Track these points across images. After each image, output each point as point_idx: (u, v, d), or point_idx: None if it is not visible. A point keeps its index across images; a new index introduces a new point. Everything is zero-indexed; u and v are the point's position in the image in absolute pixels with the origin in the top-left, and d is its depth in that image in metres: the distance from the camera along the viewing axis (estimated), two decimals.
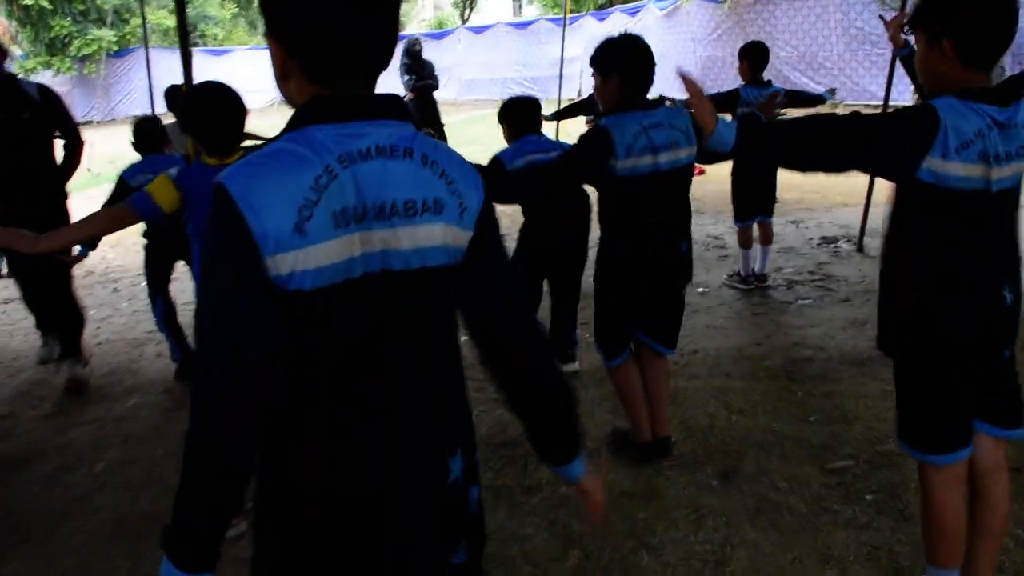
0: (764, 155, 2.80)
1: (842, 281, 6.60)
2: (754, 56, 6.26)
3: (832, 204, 9.46)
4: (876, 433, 4.12)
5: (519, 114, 4.92)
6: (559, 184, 3.87)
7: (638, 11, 21.81)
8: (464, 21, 32.91)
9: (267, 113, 27.55)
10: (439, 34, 27.91)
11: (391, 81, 26.48)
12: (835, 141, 2.49)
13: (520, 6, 41.70)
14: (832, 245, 7.79)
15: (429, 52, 27.66)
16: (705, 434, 4.26)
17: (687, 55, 19.97)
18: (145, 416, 5.00)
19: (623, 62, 3.62)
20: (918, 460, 2.66)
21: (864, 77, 17.34)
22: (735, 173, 6.48)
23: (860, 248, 7.50)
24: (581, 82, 24.22)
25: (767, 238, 6.61)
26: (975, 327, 2.45)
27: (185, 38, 4.68)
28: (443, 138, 12.24)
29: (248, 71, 27.88)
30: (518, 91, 24.56)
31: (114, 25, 26.83)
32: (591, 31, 23.44)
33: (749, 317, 5.99)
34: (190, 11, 30.14)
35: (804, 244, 7.88)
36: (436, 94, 12.97)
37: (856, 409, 4.42)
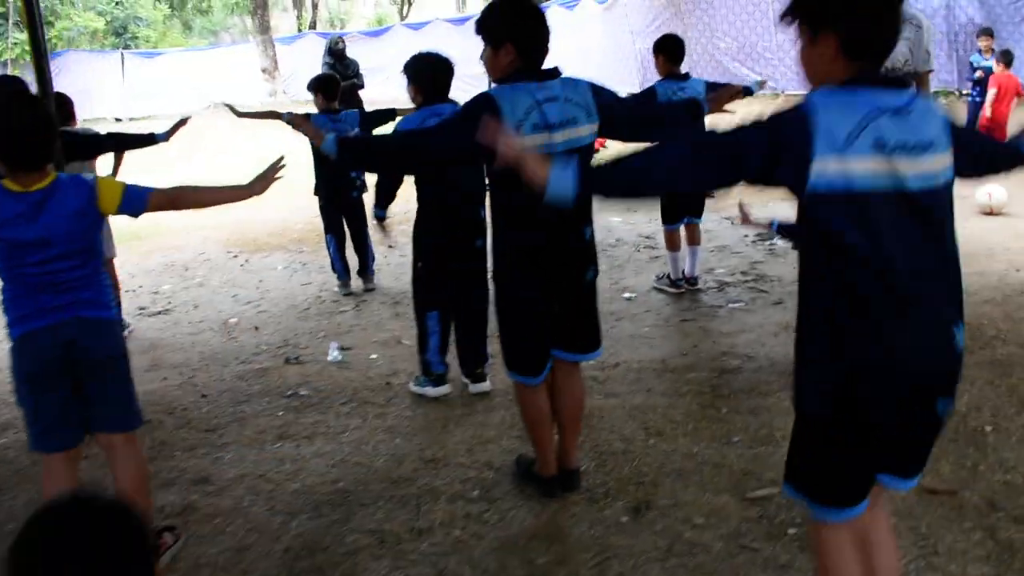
0: (620, 194, 2.50)
1: (775, 281, 6.29)
2: (669, 49, 5.91)
3: (771, 198, 9.12)
4: None
5: (429, 75, 4.47)
6: (431, 159, 3.42)
7: (575, 5, 21.45)
8: (403, 18, 32.39)
9: (205, 115, 26.93)
10: (377, 32, 27.40)
11: (293, 86, 25.95)
12: (696, 164, 2.15)
13: (464, 1, 41.26)
14: (768, 243, 7.48)
15: (367, 50, 27.30)
16: (619, 461, 3.88)
17: (626, 48, 19.69)
18: (13, 457, 4.52)
19: (518, 28, 3.22)
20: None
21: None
22: None
23: (796, 246, 7.19)
24: None
25: (695, 239, 6.28)
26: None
27: (41, 50, 4.29)
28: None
29: (182, 73, 27.17)
30: (462, 88, 24.06)
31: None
32: None
33: (677, 324, 5.64)
34: (120, 12, 29.37)
35: (739, 242, 7.57)
36: (368, 93, 12.50)
37: (784, 427, 4.02)
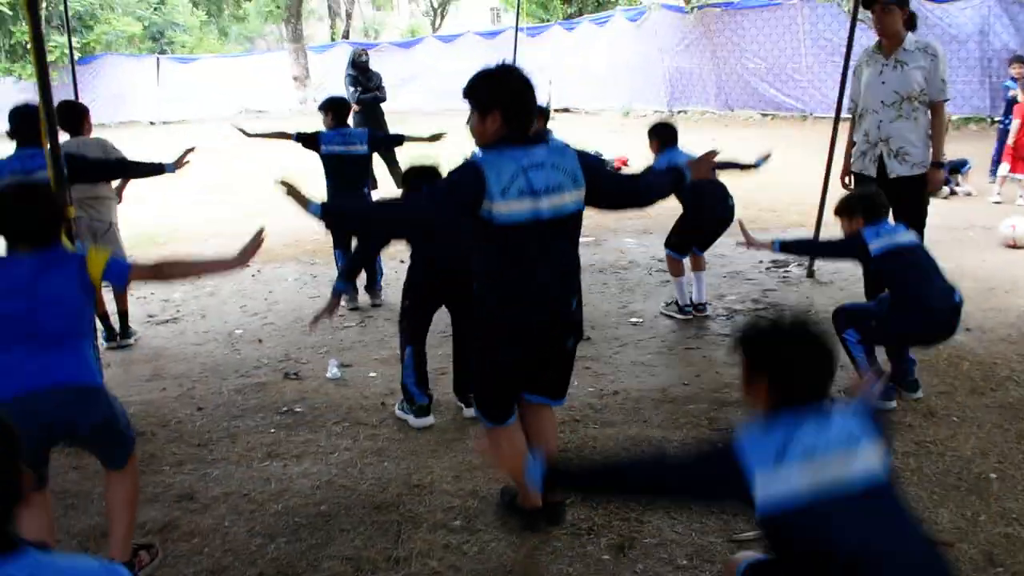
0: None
1: (787, 310, 6.14)
2: (662, 134, 5.88)
3: (788, 223, 9.02)
4: None
5: None
6: (416, 228, 3.42)
7: (606, 21, 21.44)
8: (435, 30, 32.51)
9: (235, 121, 27.12)
10: (408, 43, 27.50)
11: (323, 95, 26.24)
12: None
13: (498, 14, 41.37)
14: (783, 270, 7.35)
15: (398, 61, 27.44)
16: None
17: (655, 65, 19.63)
18: None
19: (506, 96, 3.13)
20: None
21: (833, 89, 16.94)
22: (688, 207, 6.00)
23: (811, 273, 7.07)
24: (550, 92, 23.90)
25: (699, 265, 6.18)
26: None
27: (42, 56, 4.24)
28: (391, 152, 11.73)
29: (215, 79, 27.42)
30: None
31: (77, 31, 26.24)
32: (559, 41, 23.13)
33: (681, 352, 5.53)
34: (157, 18, 29.70)
35: (752, 268, 7.44)
36: (398, 103, 12.50)
37: None
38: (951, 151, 11.21)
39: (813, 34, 17.09)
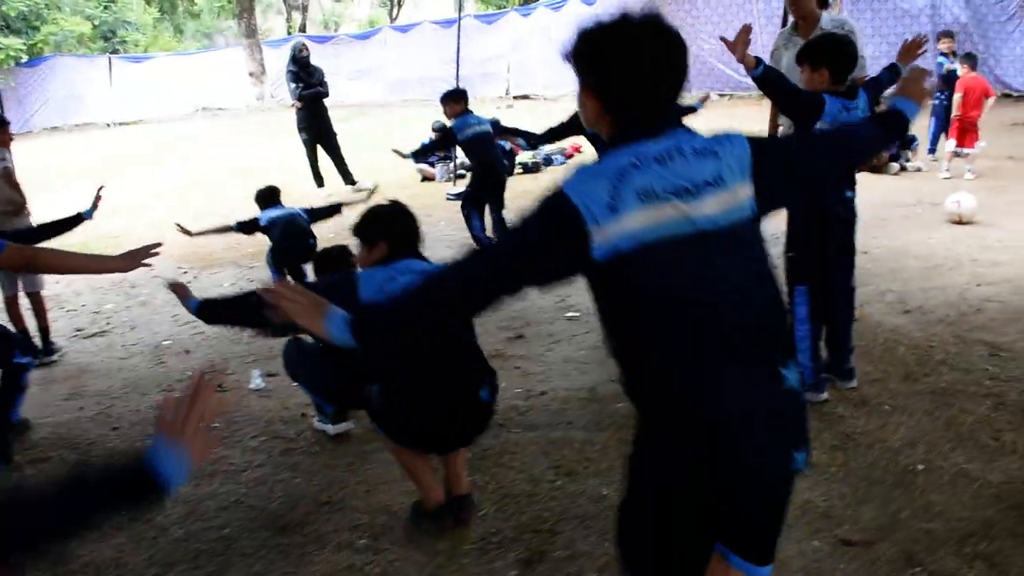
0: (395, 339, 2.23)
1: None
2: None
3: None
4: None
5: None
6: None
7: (562, 6, 21.21)
8: (392, 20, 32.15)
9: (192, 119, 26.70)
10: (365, 34, 27.15)
11: (280, 90, 25.82)
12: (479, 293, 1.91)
13: (461, 3, 41.01)
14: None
15: (356, 53, 27.06)
16: (521, 505, 3.62)
17: None
18: None
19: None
20: None
21: None
22: None
23: None
24: (508, 79, 23.63)
25: None
26: None
27: None
28: (335, 147, 11.53)
29: (170, 78, 26.96)
30: (446, 89, 23.86)
31: (23, 32, 25.73)
32: (516, 27, 22.88)
33: None
34: (108, 16, 29.17)
35: None
36: (358, 95, 12.30)
37: None
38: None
39: (768, 12, 16.91)
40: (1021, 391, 4.22)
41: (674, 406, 1.80)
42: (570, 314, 6.03)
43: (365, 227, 3.41)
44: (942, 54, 10.91)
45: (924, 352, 4.79)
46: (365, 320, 1.96)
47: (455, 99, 7.97)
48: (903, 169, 10.33)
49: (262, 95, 25.94)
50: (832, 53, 4.12)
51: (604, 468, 3.86)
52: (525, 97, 23.14)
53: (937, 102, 10.67)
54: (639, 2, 16.85)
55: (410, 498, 3.68)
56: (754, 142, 1.92)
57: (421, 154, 8.90)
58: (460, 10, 11.80)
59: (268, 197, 7.22)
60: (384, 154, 9.21)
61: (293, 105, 11.71)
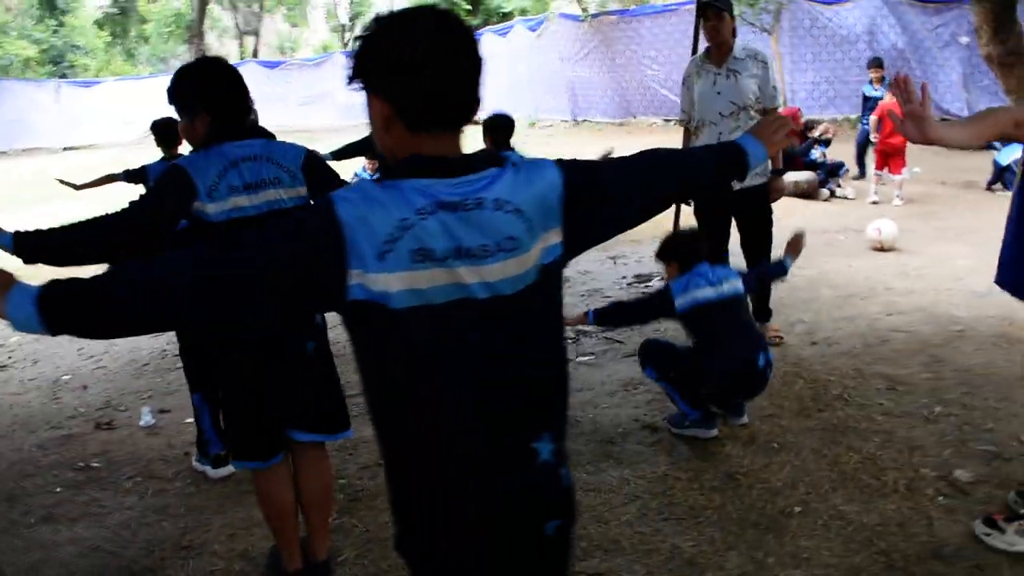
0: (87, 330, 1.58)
1: (635, 331, 5.90)
2: (498, 130, 5.53)
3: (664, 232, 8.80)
4: (582, 543, 3.38)
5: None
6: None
7: (507, 32, 21.26)
8: (345, 46, 32.09)
9: (140, 145, 26.40)
10: (316, 60, 27.08)
11: (140, 127, 25.67)
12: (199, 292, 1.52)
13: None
14: (644, 285, 7.13)
15: (308, 78, 26.95)
16: (385, 550, 3.46)
17: (558, 75, 19.48)
18: None
19: (207, 95, 2.85)
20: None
21: None
22: None
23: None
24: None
25: None
26: None
27: None
28: None
29: (119, 103, 26.71)
30: None
31: None
32: None
33: None
34: (56, 40, 28.85)
35: (613, 284, 7.21)
36: (308, 120, 12.10)
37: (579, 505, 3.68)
38: (835, 152, 11.21)
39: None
40: (911, 427, 4.15)
41: (420, 471, 1.66)
42: None
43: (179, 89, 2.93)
44: (869, 82, 11.03)
45: (822, 386, 4.71)
46: (60, 298, 1.50)
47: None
48: (833, 195, 10.36)
49: None
50: (674, 249, 4.26)
51: None
52: (475, 123, 23.10)
53: (861, 127, 10.77)
54: (582, 33, 16.98)
55: (270, 543, 3.52)
56: (567, 172, 1.73)
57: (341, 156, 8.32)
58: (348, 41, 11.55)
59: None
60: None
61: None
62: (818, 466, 3.87)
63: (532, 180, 1.66)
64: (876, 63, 11.69)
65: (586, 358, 5.50)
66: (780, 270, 4.51)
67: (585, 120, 19.32)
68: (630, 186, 1.88)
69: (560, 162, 1.77)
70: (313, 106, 26.20)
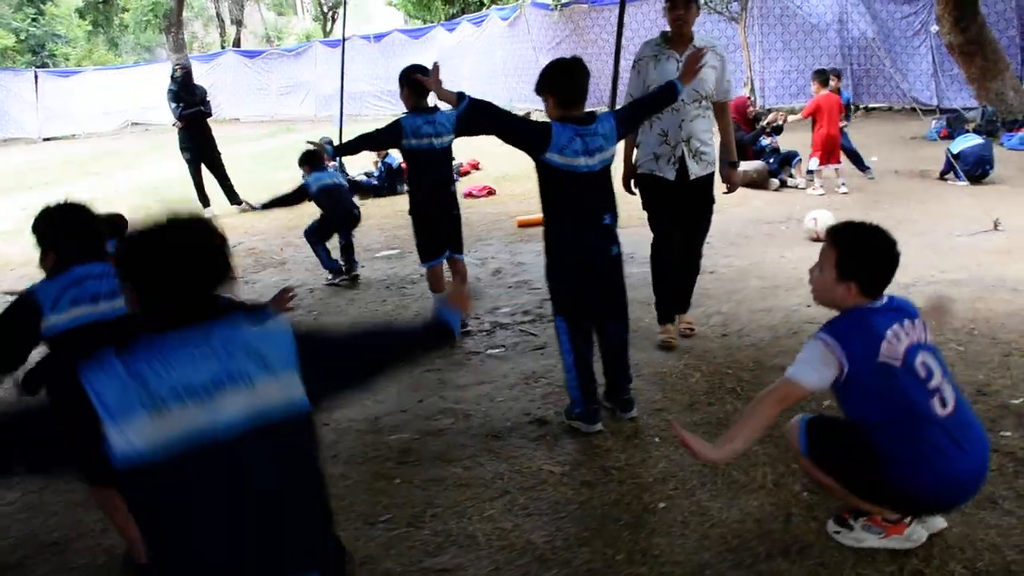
0: None
1: (547, 323, 5.87)
2: (413, 82, 5.50)
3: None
4: (438, 539, 3.36)
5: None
6: None
7: (482, 21, 21.20)
8: (326, 34, 31.98)
9: (122, 136, 26.36)
10: (296, 49, 26.98)
11: (163, 113, 25.63)
12: None
13: (405, 19, 40.85)
14: None
15: (287, 68, 26.86)
16: None
17: (531, 65, 19.35)
18: None
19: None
20: None
21: None
22: (412, 206, 5.73)
23: None
24: (433, 98, 23.48)
25: (461, 276, 5.88)
26: None
27: None
28: (219, 166, 11.36)
29: (99, 93, 26.62)
30: (376, 105, 23.84)
31: None
32: (441, 42, 22.80)
33: (419, 375, 5.20)
34: (35, 29, 28.72)
35: (541, 279, 7.14)
36: (290, 111, 12.08)
37: (444, 503, 3.67)
38: (789, 142, 11.15)
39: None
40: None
41: None
42: None
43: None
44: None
45: (718, 379, 4.69)
46: None
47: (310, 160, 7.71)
48: (784, 185, 10.32)
49: None
50: (552, 79, 4.04)
51: (347, 505, 3.71)
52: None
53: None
54: (553, 22, 16.87)
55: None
56: (299, 338, 1.95)
57: (271, 205, 8.18)
58: (344, 29, 11.55)
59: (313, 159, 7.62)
60: (290, 171, 8.87)
61: (174, 125, 11.51)
62: (692, 461, 3.83)
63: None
64: (835, 73, 11.47)
65: (496, 351, 5.47)
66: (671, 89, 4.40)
67: None
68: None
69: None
70: (293, 95, 26.12)
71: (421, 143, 5.55)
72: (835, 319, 2.93)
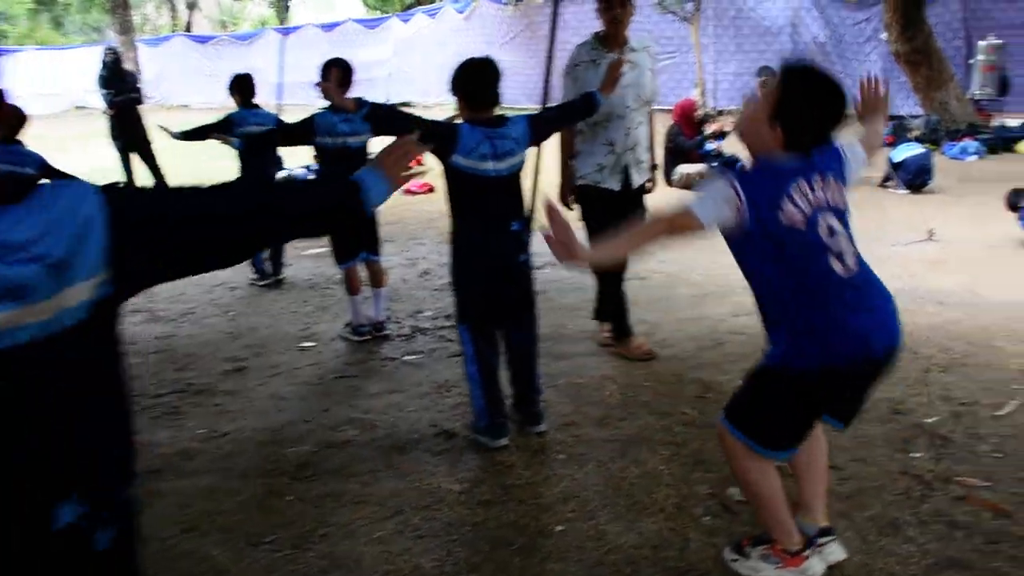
0: None
1: None
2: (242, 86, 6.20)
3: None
4: (323, 563, 3.20)
5: None
6: None
7: (437, 12, 21.01)
8: (282, 22, 31.54)
9: (64, 119, 25.73)
10: (247, 35, 26.55)
11: (160, 91, 25.08)
12: None
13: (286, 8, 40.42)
14: None
15: (239, 55, 26.43)
16: None
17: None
18: None
19: None
20: None
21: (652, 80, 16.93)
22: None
23: None
24: (388, 90, 23.24)
25: (378, 280, 5.72)
26: None
27: None
28: (150, 155, 11.08)
29: (40, 74, 26.00)
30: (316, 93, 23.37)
31: None
32: (397, 33, 22.56)
33: (330, 382, 5.04)
34: None
35: None
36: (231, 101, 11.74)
37: (338, 522, 3.50)
38: (737, 146, 11.14)
39: (633, 27, 16.87)
40: (704, 439, 3.99)
41: None
42: (306, 344, 5.69)
43: None
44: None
45: (633, 392, 4.57)
46: None
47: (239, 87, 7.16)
48: None
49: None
50: (461, 80, 3.89)
51: (232, 523, 3.52)
52: (407, 104, 22.78)
53: None
54: (507, 17, 16.71)
55: None
56: (111, 202, 1.50)
57: (190, 136, 7.41)
58: (285, 17, 11.26)
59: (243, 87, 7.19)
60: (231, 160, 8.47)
61: (105, 112, 11.22)
62: (596, 481, 3.71)
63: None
64: (766, 71, 11.55)
65: (413, 357, 5.31)
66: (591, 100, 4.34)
67: (510, 107, 19.02)
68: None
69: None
70: None
71: (336, 141, 5.39)
72: (748, 169, 2.77)
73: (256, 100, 7.10)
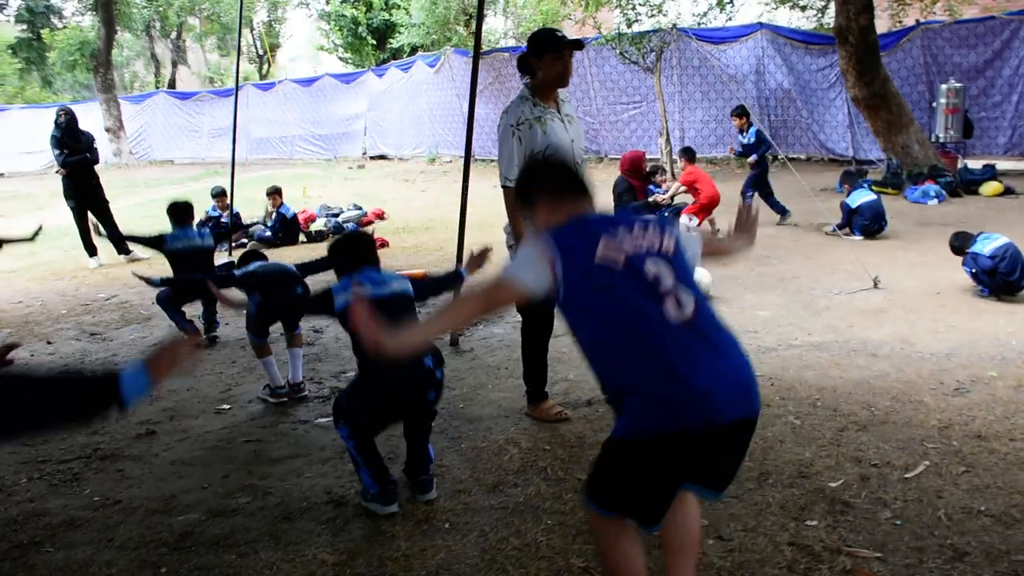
0: None
1: None
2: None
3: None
4: None
5: None
6: None
7: (410, 67, 21.22)
8: (262, 77, 31.82)
9: (43, 178, 25.83)
10: (225, 91, 26.74)
11: (140, 147, 25.20)
12: None
13: (237, 73, 40.75)
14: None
15: (218, 110, 26.63)
16: None
17: (456, 112, 19.39)
18: None
19: None
20: None
21: (623, 131, 16.98)
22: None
23: (454, 341, 6.64)
24: (365, 141, 23.39)
25: (295, 340, 5.68)
26: None
27: None
28: (108, 217, 11.07)
29: (25, 132, 26.15)
30: (307, 149, 23.73)
31: None
32: (372, 87, 22.75)
33: (237, 446, 4.97)
34: None
35: None
36: (216, 151, 11.84)
37: None
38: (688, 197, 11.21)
39: (600, 77, 17.02)
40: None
41: None
42: (222, 406, 5.62)
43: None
44: (738, 131, 11.55)
45: (532, 457, 4.49)
46: None
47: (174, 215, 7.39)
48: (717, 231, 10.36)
49: (120, 151, 25.29)
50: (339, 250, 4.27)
51: None
52: (383, 157, 22.92)
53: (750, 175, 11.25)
54: (466, 67, 16.88)
55: None
56: None
57: (132, 239, 7.92)
58: (237, 78, 11.34)
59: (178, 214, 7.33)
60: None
61: (58, 172, 11.27)
62: (474, 552, 3.62)
63: None
64: (739, 111, 11.68)
65: (325, 420, 5.24)
66: (457, 278, 4.50)
67: (483, 159, 19.02)
68: None
69: None
70: (224, 138, 25.82)
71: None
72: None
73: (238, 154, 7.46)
